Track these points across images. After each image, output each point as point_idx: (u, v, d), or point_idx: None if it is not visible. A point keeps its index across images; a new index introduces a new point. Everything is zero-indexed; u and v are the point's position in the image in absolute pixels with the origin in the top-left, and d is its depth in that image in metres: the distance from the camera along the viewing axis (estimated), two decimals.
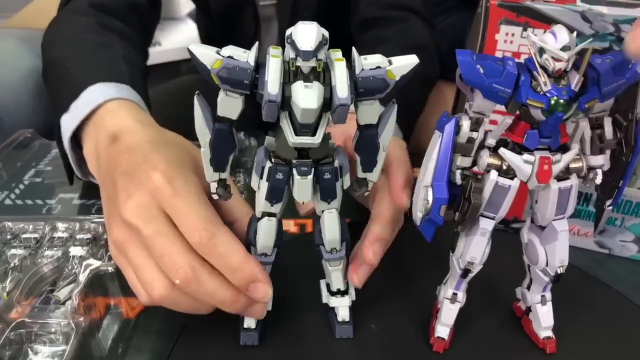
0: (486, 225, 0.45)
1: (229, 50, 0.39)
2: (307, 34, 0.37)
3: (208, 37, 1.14)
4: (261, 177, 0.43)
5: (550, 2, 0.60)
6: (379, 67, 0.40)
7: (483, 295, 0.57)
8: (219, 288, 0.44)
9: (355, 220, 0.72)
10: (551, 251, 0.47)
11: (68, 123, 0.60)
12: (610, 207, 0.48)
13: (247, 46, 0.40)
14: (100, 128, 0.56)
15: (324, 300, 0.53)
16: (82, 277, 0.53)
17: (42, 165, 0.81)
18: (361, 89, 0.40)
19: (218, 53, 0.39)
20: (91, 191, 0.74)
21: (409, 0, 0.85)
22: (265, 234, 0.46)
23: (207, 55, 0.38)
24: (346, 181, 0.45)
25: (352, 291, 0.53)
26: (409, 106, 0.74)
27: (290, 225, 0.72)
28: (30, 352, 0.48)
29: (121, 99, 0.60)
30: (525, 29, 0.60)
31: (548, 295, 0.51)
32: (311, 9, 0.91)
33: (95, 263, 0.55)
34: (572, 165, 0.44)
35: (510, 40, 0.62)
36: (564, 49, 0.38)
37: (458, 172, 0.44)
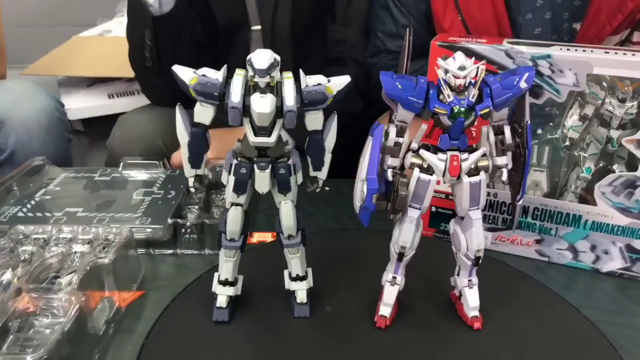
0: (413, 214, 0.55)
1: (203, 70, 0.51)
2: (261, 56, 0.49)
3: (202, 61, 1.29)
4: (229, 173, 0.54)
5: (482, 43, 0.72)
6: (319, 84, 0.51)
7: (424, 286, 0.66)
8: None
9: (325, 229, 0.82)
10: (469, 237, 0.57)
11: None
12: (521, 202, 0.58)
13: (242, 64, 0.51)
14: None
15: (286, 286, 0.62)
16: (82, 268, 0.63)
17: (52, 186, 0.92)
18: (306, 100, 0.51)
19: (195, 73, 0.50)
20: (93, 204, 0.84)
21: (350, 52, 1.13)
22: (233, 221, 0.56)
23: (186, 73, 0.50)
24: (299, 177, 0.55)
25: (310, 278, 0.62)
26: None
27: (267, 237, 0.82)
28: (35, 322, 0.57)
29: None
30: None
31: (474, 279, 0.60)
32: (285, 31, 1.09)
33: (93, 256, 0.65)
34: (480, 164, 0.54)
35: None
36: (460, 68, 0.49)
37: (389, 170, 0.55)
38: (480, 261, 0.58)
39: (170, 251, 0.78)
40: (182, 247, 0.78)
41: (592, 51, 0.69)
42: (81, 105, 1.51)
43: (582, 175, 0.74)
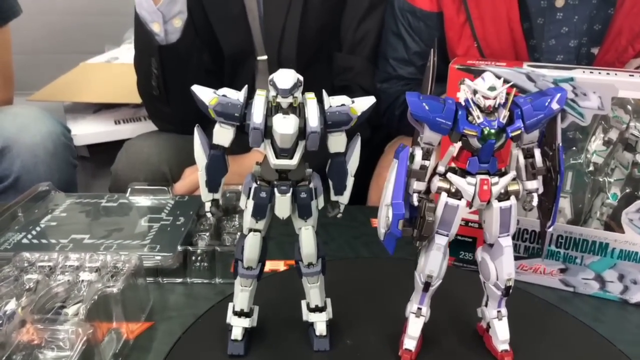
0: (440, 241, 0.53)
1: (224, 90, 0.49)
2: (285, 76, 0.47)
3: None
4: (248, 197, 0.51)
5: (501, 66, 0.71)
6: (343, 105, 0.49)
7: (450, 317, 0.63)
8: None
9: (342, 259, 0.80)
10: (499, 265, 0.54)
11: None
12: (551, 229, 0.56)
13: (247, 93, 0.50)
14: None
15: (304, 317, 0.59)
16: (89, 297, 0.60)
17: (58, 212, 0.89)
18: (329, 122, 0.49)
19: (215, 93, 0.49)
20: (99, 231, 0.82)
21: (357, 79, 1.12)
22: (251, 248, 0.53)
23: (206, 93, 0.48)
24: (320, 202, 0.53)
25: (329, 309, 0.59)
26: None
27: (280, 265, 0.79)
28: (40, 355, 0.54)
29: None
30: None
31: (503, 310, 0.57)
32: (292, 62, 1.08)
33: (101, 285, 0.62)
34: (511, 188, 0.52)
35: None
36: (491, 89, 0.48)
37: (415, 195, 0.52)
38: (511, 291, 0.55)
39: (180, 280, 0.75)
40: (192, 275, 0.75)
41: (616, 74, 0.67)
42: (87, 131, 1.50)
43: (608, 202, 0.71)
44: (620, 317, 0.71)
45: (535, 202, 0.53)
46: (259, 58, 1.12)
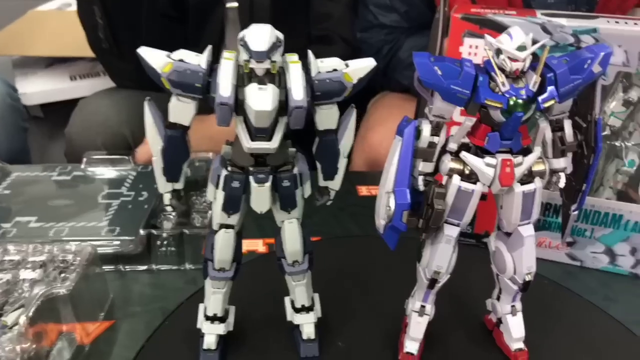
0: (451, 232, 0.44)
1: (180, 53, 0.38)
2: (259, 34, 0.36)
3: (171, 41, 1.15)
4: (217, 186, 0.41)
5: (512, 15, 0.61)
6: (335, 70, 0.39)
7: (453, 308, 0.55)
8: None
9: (327, 237, 0.71)
10: (518, 258, 0.46)
11: None
12: (576, 212, 0.48)
13: (214, 49, 0.39)
14: None
15: (289, 317, 0.51)
16: (32, 301, 0.50)
17: (1, 189, 0.78)
18: (318, 92, 0.39)
19: (169, 57, 0.37)
20: (49, 212, 0.71)
21: (336, 28, 1.00)
22: (223, 247, 0.44)
23: (157, 58, 0.37)
24: (307, 189, 0.43)
25: (317, 307, 0.51)
26: None
27: (258, 245, 0.71)
28: None
29: None
30: None
31: (518, 305, 0.50)
32: (265, 9, 0.96)
33: (47, 286, 0.52)
34: (535, 169, 0.43)
35: (474, 53, 0.62)
36: (520, 48, 0.38)
37: (420, 178, 0.43)
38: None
39: (144, 267, 0.66)
40: (158, 261, 0.67)
41: None
42: (39, 88, 1.36)
43: (624, 169, 0.64)
44: (631, 294, 0.65)
45: (562, 183, 0.44)
46: (228, 5, 0.99)
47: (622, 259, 0.67)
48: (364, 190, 0.85)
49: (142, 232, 0.66)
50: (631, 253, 0.67)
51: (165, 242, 0.66)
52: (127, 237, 0.66)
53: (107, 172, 0.83)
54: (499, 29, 0.61)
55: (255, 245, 0.70)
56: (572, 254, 0.69)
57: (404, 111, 0.65)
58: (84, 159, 0.84)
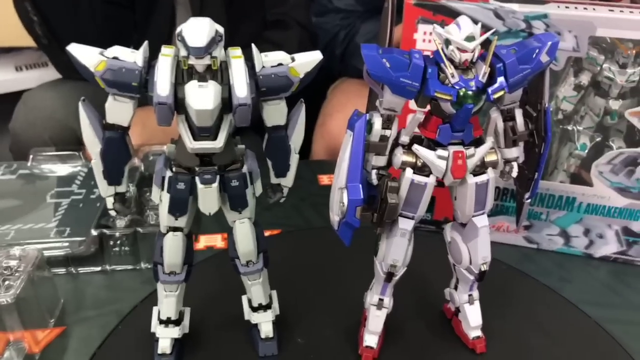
0: (406, 225, 0.44)
1: (114, 50, 0.35)
2: (197, 29, 0.34)
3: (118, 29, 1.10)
4: (162, 189, 0.40)
5: (465, 1, 0.60)
6: (280, 65, 0.37)
7: (412, 298, 0.55)
8: None
9: (288, 230, 0.70)
10: (473, 248, 0.46)
11: None
12: (529, 200, 0.48)
13: (165, 35, 0.37)
14: None
15: (246, 316, 0.50)
16: None
17: None
18: (263, 88, 0.37)
19: (102, 54, 0.35)
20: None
21: (292, 12, 0.98)
22: (172, 251, 0.42)
23: (89, 56, 0.35)
24: (258, 188, 0.42)
25: (275, 305, 0.50)
26: None
27: (217, 240, 0.69)
28: None
29: None
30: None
31: (475, 294, 0.50)
32: None
33: None
34: (488, 159, 0.43)
35: (428, 40, 0.61)
36: (468, 39, 0.37)
37: (374, 172, 0.43)
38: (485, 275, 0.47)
39: (98, 268, 0.64)
40: (112, 262, 0.64)
41: (594, 9, 0.58)
42: None
43: (576, 153, 0.65)
44: (585, 273, 0.67)
45: (514, 173, 0.44)
46: None
47: (576, 240, 0.69)
48: (325, 180, 0.84)
49: (93, 232, 0.64)
50: (584, 234, 0.68)
51: (118, 242, 0.64)
52: (77, 238, 0.64)
53: (56, 169, 0.79)
54: (453, 15, 0.60)
55: (213, 240, 0.69)
56: (528, 237, 0.70)
57: (363, 97, 0.64)
58: (31, 156, 0.80)
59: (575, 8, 0.58)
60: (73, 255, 0.63)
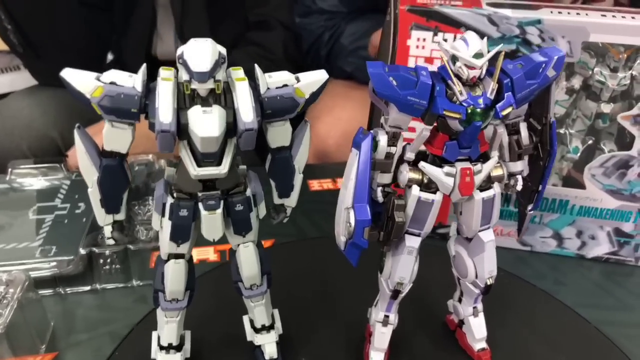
0: (412, 243, 0.43)
1: (111, 75, 0.33)
2: (200, 52, 0.32)
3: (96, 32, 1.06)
4: (163, 215, 0.38)
5: (458, 7, 0.59)
6: (285, 85, 0.36)
7: (414, 310, 0.55)
8: None
9: (281, 241, 0.69)
10: (479, 263, 0.45)
11: None
12: (532, 212, 0.48)
13: (145, 37, 0.35)
14: None
15: (249, 338, 0.48)
16: None
17: None
18: (269, 110, 0.36)
19: (98, 79, 0.33)
20: None
21: (275, 13, 0.97)
22: (174, 279, 0.40)
23: (85, 81, 0.33)
24: (262, 210, 0.41)
25: (278, 325, 0.49)
26: None
27: (209, 253, 0.67)
28: None
29: None
30: (435, 34, 0.59)
31: (479, 306, 0.50)
32: None
33: None
34: (494, 174, 0.42)
35: (422, 46, 0.60)
36: (477, 56, 0.36)
37: (379, 189, 0.42)
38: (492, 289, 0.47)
39: (87, 287, 0.62)
40: (102, 280, 0.62)
41: (587, 14, 0.58)
42: None
43: (569, 156, 0.65)
44: (578, 275, 0.67)
45: (519, 186, 0.44)
46: None
47: (568, 242, 0.70)
48: (315, 185, 0.83)
49: (82, 251, 0.61)
50: (577, 236, 0.69)
51: (108, 260, 0.62)
52: (65, 257, 0.61)
53: (37, 183, 0.76)
54: (446, 20, 0.60)
55: (205, 253, 0.67)
56: (522, 239, 0.71)
57: (349, 99, 0.64)
58: (9, 169, 0.77)
59: (568, 13, 0.58)
60: (61, 275, 0.60)
